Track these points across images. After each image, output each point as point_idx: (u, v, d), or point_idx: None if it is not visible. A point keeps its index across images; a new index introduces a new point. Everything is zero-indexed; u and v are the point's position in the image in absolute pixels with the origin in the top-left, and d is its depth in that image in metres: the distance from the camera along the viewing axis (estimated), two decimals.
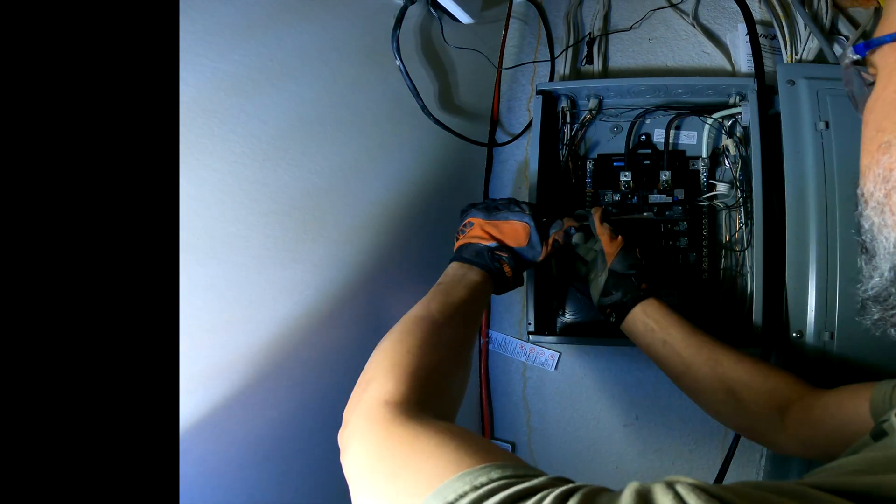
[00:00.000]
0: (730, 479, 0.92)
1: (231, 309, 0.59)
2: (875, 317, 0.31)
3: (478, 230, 0.71)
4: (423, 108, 0.79)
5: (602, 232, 0.75)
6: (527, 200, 0.77)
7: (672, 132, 0.93)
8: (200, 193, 0.53)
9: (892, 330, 0.31)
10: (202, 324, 0.54)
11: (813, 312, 0.83)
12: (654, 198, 0.89)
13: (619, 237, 0.76)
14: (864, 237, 0.31)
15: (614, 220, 0.84)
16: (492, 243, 0.69)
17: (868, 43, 0.32)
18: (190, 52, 0.50)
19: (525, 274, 0.80)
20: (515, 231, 0.71)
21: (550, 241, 0.72)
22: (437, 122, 0.82)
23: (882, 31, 0.31)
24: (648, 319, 0.71)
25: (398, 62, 0.74)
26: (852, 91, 0.33)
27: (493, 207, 0.73)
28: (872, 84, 0.32)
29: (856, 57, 0.32)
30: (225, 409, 0.58)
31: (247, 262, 0.60)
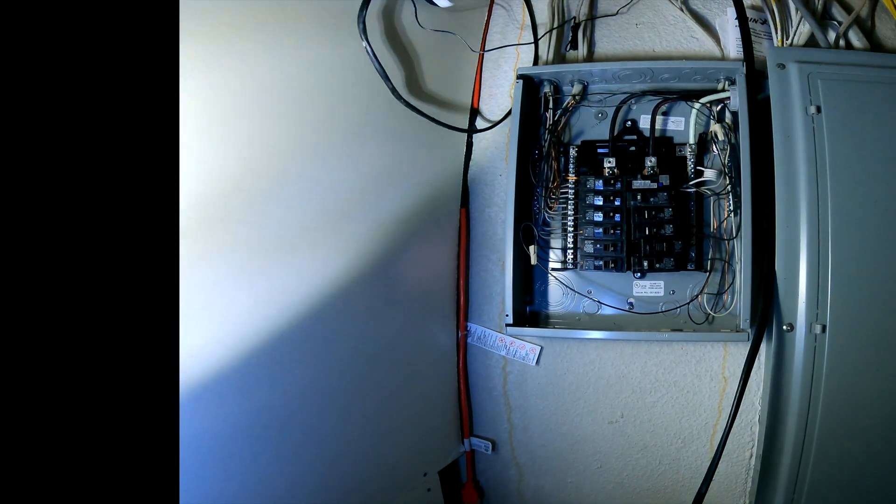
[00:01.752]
0: (718, 480, 0.88)
1: (224, 297, 0.59)
2: None
3: None
4: (394, 90, 0.76)
5: None
6: None
7: (659, 118, 0.90)
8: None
9: None
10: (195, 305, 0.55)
11: (804, 304, 0.79)
12: (639, 184, 0.86)
13: None
14: None
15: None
16: None
17: None
18: None
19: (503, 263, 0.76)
20: None
21: None
22: (409, 106, 0.79)
23: None
24: None
25: (365, 44, 0.72)
26: None
27: None
28: None
29: None
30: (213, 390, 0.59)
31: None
